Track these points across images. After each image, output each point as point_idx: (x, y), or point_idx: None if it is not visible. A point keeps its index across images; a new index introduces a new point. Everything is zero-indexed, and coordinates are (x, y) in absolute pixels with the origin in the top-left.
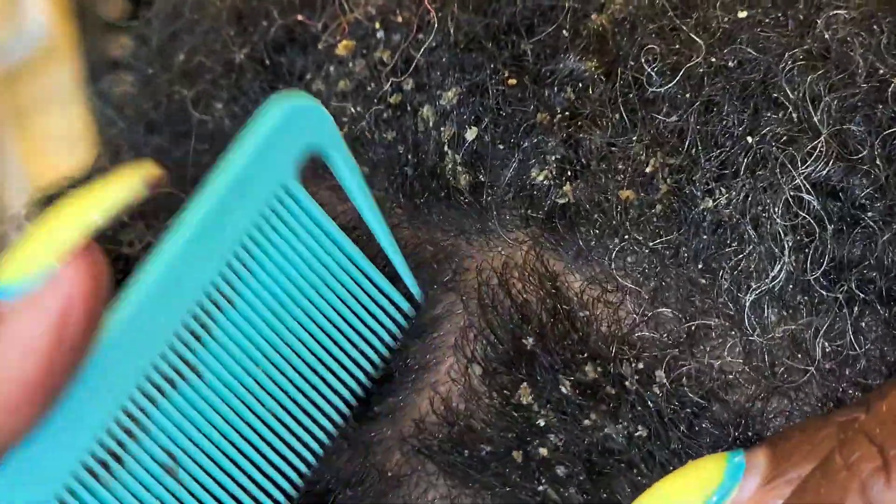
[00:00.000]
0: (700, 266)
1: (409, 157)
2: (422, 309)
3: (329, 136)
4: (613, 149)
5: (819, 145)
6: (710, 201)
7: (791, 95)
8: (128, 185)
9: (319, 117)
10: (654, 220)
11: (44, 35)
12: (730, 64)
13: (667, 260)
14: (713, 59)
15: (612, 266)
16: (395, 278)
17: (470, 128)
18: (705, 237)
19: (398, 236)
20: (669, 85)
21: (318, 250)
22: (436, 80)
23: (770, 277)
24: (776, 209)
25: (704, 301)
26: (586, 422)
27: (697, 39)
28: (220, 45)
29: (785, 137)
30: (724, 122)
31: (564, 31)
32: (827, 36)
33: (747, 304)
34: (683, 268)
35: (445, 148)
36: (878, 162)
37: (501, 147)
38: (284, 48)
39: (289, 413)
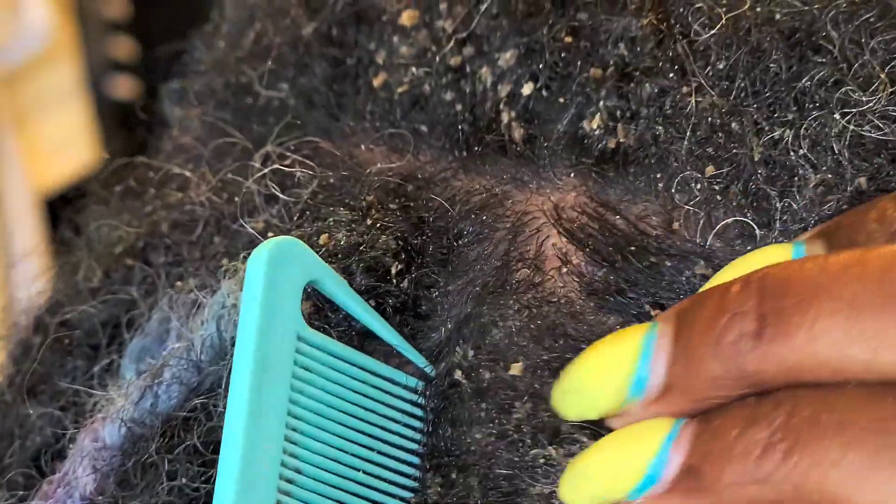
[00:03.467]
0: (750, 199)
1: (466, 115)
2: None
3: (313, 265)
4: (663, 95)
5: (874, 82)
6: (760, 138)
7: (836, 41)
8: None
9: (296, 252)
10: (705, 157)
11: (44, 35)
12: (776, 16)
13: (718, 195)
14: (758, 10)
15: (674, 192)
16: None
17: (526, 84)
18: (760, 171)
19: (451, 186)
20: (714, 33)
21: (345, 378)
22: (495, 44)
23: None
24: (828, 142)
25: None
26: None
27: None
28: (288, 22)
29: (832, 79)
30: (772, 67)
31: None
32: None
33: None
34: (733, 200)
35: (501, 105)
36: None
37: (556, 101)
38: (350, 23)
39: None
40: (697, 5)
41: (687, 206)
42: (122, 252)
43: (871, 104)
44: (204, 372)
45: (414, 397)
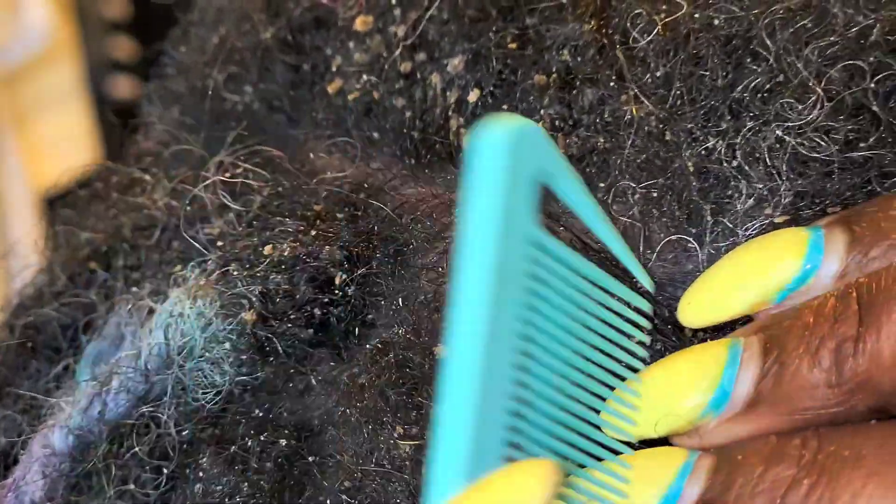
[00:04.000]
0: (684, 211)
1: (417, 122)
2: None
3: (549, 159)
4: (603, 104)
5: (808, 93)
6: (695, 148)
7: (772, 48)
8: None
9: (536, 140)
10: (641, 167)
11: (44, 35)
12: (715, 22)
13: (652, 206)
14: (697, 16)
15: (611, 204)
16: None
17: (473, 91)
18: (693, 183)
19: (401, 194)
20: (651, 39)
21: (574, 290)
22: (445, 50)
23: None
24: (761, 154)
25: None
26: None
27: (679, 0)
28: (249, 27)
29: (767, 87)
30: (709, 75)
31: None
32: None
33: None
34: (668, 209)
35: (450, 112)
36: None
37: (501, 108)
38: (309, 29)
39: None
40: (637, 11)
41: (624, 219)
42: (86, 256)
43: (803, 115)
44: (150, 380)
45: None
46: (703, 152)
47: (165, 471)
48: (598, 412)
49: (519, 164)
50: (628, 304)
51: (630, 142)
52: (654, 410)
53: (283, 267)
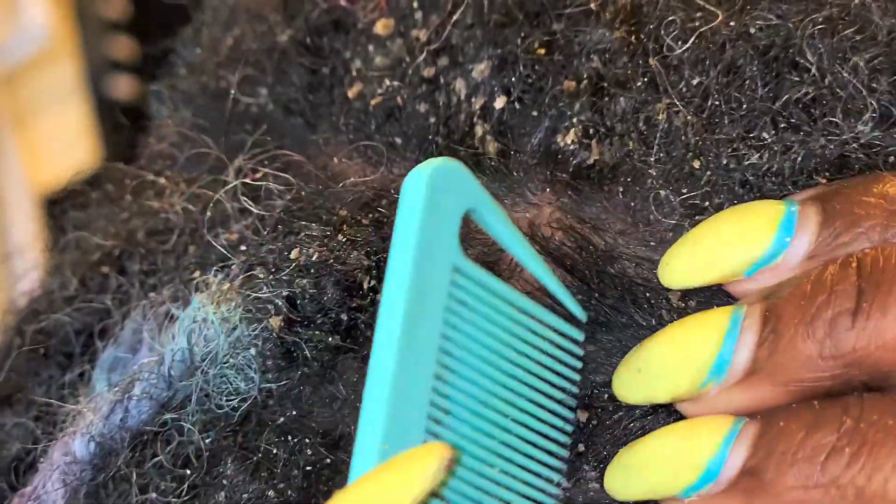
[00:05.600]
0: None
1: (441, 127)
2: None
3: (473, 192)
4: (638, 112)
5: (861, 103)
6: (739, 160)
7: (812, 58)
8: (430, 473)
9: (458, 176)
10: (681, 177)
11: (44, 35)
12: (751, 30)
13: (695, 216)
14: (732, 24)
15: (651, 212)
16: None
17: (499, 97)
18: (737, 191)
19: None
20: (687, 48)
21: (500, 316)
22: (470, 55)
23: None
24: (807, 166)
25: None
26: None
27: (713, 8)
28: (265, 28)
29: (810, 98)
30: (747, 84)
31: (593, 5)
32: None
33: None
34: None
35: (475, 118)
36: None
37: (529, 114)
38: (326, 31)
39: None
40: (670, 18)
41: (663, 225)
42: (98, 260)
43: (853, 128)
44: (174, 387)
45: (567, 343)
46: (747, 165)
47: (188, 479)
48: (528, 420)
49: (439, 198)
50: (557, 331)
51: (667, 149)
52: (658, 376)
53: (311, 271)
